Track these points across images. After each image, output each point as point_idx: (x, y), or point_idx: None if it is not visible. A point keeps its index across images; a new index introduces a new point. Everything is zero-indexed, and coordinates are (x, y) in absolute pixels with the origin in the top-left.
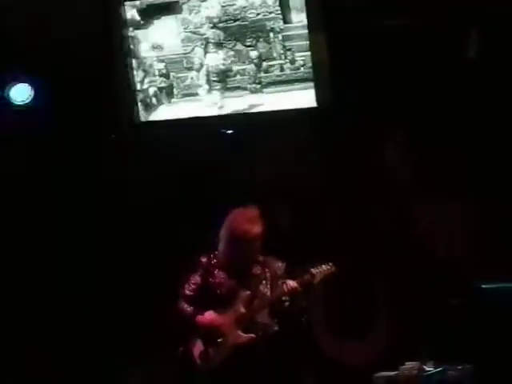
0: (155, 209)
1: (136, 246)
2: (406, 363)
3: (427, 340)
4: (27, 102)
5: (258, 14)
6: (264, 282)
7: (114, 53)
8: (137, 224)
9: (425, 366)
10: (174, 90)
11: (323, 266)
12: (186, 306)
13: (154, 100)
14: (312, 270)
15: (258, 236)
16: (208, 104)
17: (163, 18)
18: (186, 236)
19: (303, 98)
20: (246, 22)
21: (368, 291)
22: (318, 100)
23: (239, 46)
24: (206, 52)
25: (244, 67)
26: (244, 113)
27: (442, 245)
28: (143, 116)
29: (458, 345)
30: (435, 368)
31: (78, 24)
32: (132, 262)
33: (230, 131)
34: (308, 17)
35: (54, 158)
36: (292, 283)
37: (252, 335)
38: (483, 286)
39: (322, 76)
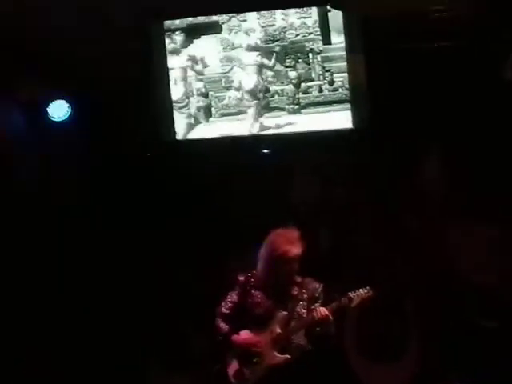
0: (190, 227)
1: (172, 262)
2: None
3: (457, 363)
4: (65, 118)
5: (298, 35)
6: (301, 303)
7: (152, 71)
8: (173, 240)
9: None
10: (212, 109)
11: (361, 289)
12: (222, 324)
13: (192, 119)
14: (350, 293)
15: (297, 257)
16: (246, 124)
17: (203, 37)
18: (223, 255)
19: (341, 119)
20: (286, 43)
21: (399, 314)
22: (354, 121)
23: (278, 67)
24: (245, 72)
25: (283, 88)
26: (282, 133)
27: (478, 267)
28: (181, 134)
29: (489, 368)
30: None
31: (118, 41)
32: (167, 278)
33: (267, 151)
34: (347, 38)
35: (90, 175)
36: (324, 310)
37: (287, 356)
38: None
39: (359, 97)
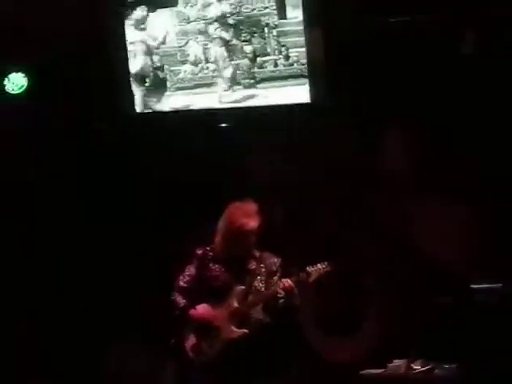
0: (150, 199)
1: (130, 236)
2: (394, 361)
3: (416, 339)
4: (21, 91)
5: (254, 10)
6: (259, 277)
7: (110, 45)
8: (130, 213)
9: (413, 365)
10: (168, 83)
11: (318, 264)
12: (179, 298)
13: (148, 93)
14: (308, 268)
15: (254, 230)
16: (201, 98)
17: (159, 10)
18: (182, 227)
19: (297, 93)
20: (241, 17)
21: (358, 289)
22: (312, 96)
23: (234, 41)
24: (200, 46)
25: (238, 62)
26: (238, 107)
27: (435, 244)
28: (139, 107)
29: (447, 344)
30: (423, 367)
31: (76, 15)
32: (126, 252)
33: (224, 124)
34: (304, 13)
35: (47, 148)
36: (288, 282)
37: (245, 330)
38: (474, 286)
39: (317, 72)
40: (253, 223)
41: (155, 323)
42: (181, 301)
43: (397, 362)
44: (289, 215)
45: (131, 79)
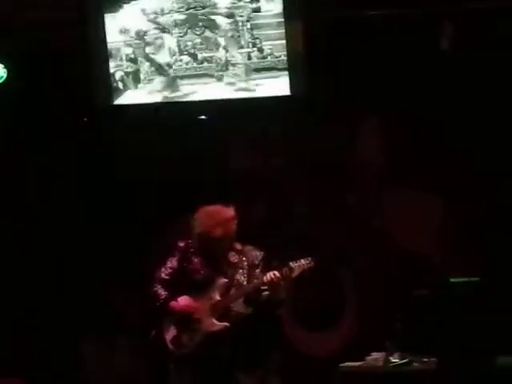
0: (126, 192)
1: (108, 227)
2: (372, 354)
3: (393, 332)
4: (0, 82)
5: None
6: (241, 270)
7: (86, 36)
8: (107, 206)
9: (390, 358)
10: (141, 75)
11: (302, 260)
12: (161, 289)
13: (120, 84)
14: (291, 263)
15: (224, 236)
16: (174, 90)
17: (132, 2)
18: (158, 220)
19: (272, 86)
20: (215, 9)
21: (335, 283)
22: (292, 88)
23: (208, 33)
24: (173, 38)
25: (212, 54)
26: (217, 99)
27: (413, 237)
28: (117, 99)
29: (424, 337)
30: (401, 359)
31: (52, 7)
32: (105, 243)
33: (202, 117)
34: (284, 5)
35: (25, 140)
36: (275, 274)
37: (226, 324)
38: (450, 280)
39: (296, 64)
40: (220, 231)
41: (129, 316)
42: (162, 293)
43: (375, 355)
44: (269, 209)
45: (110, 71)
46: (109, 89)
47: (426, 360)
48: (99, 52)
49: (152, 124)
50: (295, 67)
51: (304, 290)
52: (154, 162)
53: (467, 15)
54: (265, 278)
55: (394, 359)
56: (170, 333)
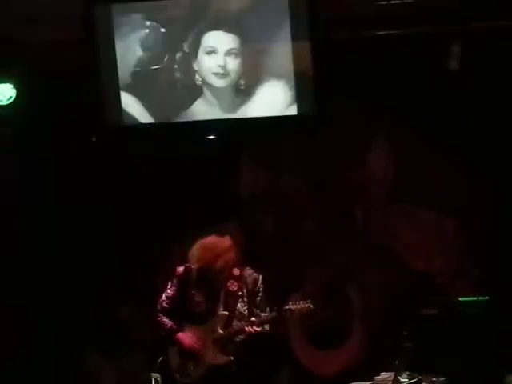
0: (137, 208)
1: (115, 247)
2: (381, 374)
3: (402, 351)
4: (9, 102)
5: None
6: (241, 299)
7: (98, 55)
8: (114, 226)
9: (399, 377)
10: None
11: (301, 302)
12: (165, 318)
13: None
14: (290, 305)
15: (225, 267)
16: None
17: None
18: (167, 242)
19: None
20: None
21: (343, 302)
22: (299, 109)
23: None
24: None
25: None
26: (220, 119)
27: (419, 256)
28: (127, 119)
29: (433, 356)
30: (410, 379)
31: (64, 25)
32: (108, 263)
33: (212, 136)
34: (292, 26)
35: (35, 159)
36: (254, 329)
37: (229, 358)
38: (459, 299)
39: (304, 84)
40: (220, 262)
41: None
42: (167, 322)
43: (384, 375)
44: (276, 228)
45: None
46: (118, 108)
47: (435, 379)
48: (109, 71)
49: (161, 143)
50: (303, 86)
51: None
52: (164, 180)
53: (475, 34)
54: (247, 330)
55: (403, 379)
56: (175, 361)
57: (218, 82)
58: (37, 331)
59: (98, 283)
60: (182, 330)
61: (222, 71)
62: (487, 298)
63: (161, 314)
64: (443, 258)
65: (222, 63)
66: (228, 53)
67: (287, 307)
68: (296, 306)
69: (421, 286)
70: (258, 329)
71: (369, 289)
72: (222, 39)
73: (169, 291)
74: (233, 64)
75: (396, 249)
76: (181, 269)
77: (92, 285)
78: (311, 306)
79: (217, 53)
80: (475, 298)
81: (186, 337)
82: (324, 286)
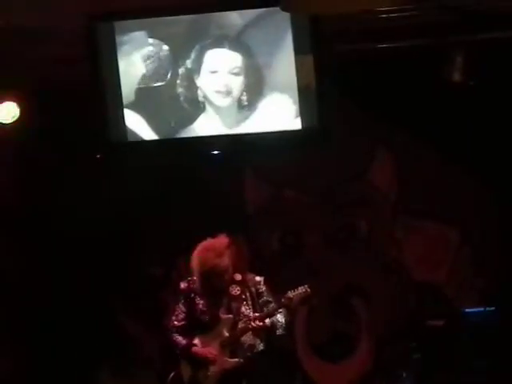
0: (142, 228)
1: (121, 263)
2: None
3: (409, 362)
4: (13, 120)
5: None
6: (245, 302)
7: (101, 72)
8: (120, 242)
9: None
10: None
11: (299, 288)
12: (179, 337)
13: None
14: (289, 293)
15: (226, 267)
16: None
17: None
18: (173, 254)
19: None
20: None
21: (350, 314)
22: (303, 122)
23: None
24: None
25: None
26: (224, 135)
27: (425, 267)
28: (131, 136)
29: (440, 367)
30: None
31: (67, 44)
32: (115, 280)
33: (215, 152)
34: (295, 40)
35: (39, 176)
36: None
37: (238, 360)
38: (466, 310)
39: (307, 98)
40: (223, 261)
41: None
42: (181, 340)
43: None
44: (282, 240)
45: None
46: (122, 125)
47: None
48: (112, 89)
49: (165, 159)
50: (306, 100)
51: (318, 320)
52: (168, 196)
53: (477, 46)
54: (249, 325)
55: None
56: (187, 374)
57: (221, 101)
58: (47, 349)
59: (107, 300)
60: (195, 344)
61: (224, 89)
62: (494, 308)
63: (173, 334)
64: (449, 269)
65: (224, 82)
66: (231, 71)
67: (286, 296)
68: (294, 293)
69: (427, 297)
70: (260, 323)
71: (375, 301)
72: (224, 57)
73: (177, 309)
74: (236, 82)
75: (401, 260)
76: (184, 284)
77: (100, 302)
78: (308, 290)
79: (219, 71)
80: (481, 309)
81: (200, 348)
82: (330, 299)
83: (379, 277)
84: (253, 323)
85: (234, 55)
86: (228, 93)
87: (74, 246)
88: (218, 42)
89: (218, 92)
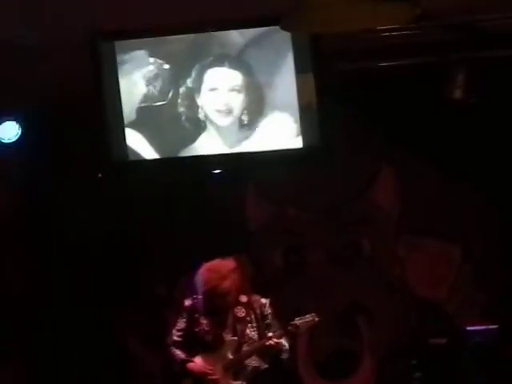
0: (144, 247)
1: (121, 282)
2: None
3: (411, 381)
4: (14, 140)
5: None
6: (250, 324)
7: (103, 91)
8: (122, 261)
9: None
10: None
11: (307, 316)
12: (178, 351)
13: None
14: (296, 321)
15: (231, 288)
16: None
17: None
18: (173, 275)
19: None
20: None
21: (352, 331)
22: (304, 141)
23: None
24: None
25: None
26: (225, 154)
27: (427, 285)
28: (132, 155)
29: None
30: None
31: (68, 61)
32: (115, 297)
33: (218, 171)
34: (296, 59)
35: (40, 196)
36: (274, 341)
37: (241, 383)
38: (467, 328)
39: (308, 117)
40: (225, 284)
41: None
42: (179, 355)
43: None
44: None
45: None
46: (123, 144)
47: None
48: (113, 108)
49: (166, 178)
50: (308, 119)
51: (320, 339)
52: (170, 215)
53: (478, 63)
54: (268, 342)
55: None
56: None
57: (222, 121)
58: (47, 364)
59: (107, 318)
60: (193, 361)
61: (225, 108)
62: (496, 326)
63: (173, 348)
64: (450, 286)
65: (225, 101)
66: (231, 90)
67: (293, 323)
68: (301, 321)
69: (429, 315)
70: (278, 340)
71: (378, 319)
72: (224, 76)
73: (179, 324)
74: (236, 100)
75: (404, 278)
76: (188, 302)
77: (102, 318)
78: (316, 319)
79: (220, 90)
80: (483, 327)
81: (196, 364)
82: (333, 317)
83: (383, 295)
84: (271, 341)
85: (234, 74)
86: (229, 112)
87: (76, 266)
88: (219, 61)
89: (219, 111)
